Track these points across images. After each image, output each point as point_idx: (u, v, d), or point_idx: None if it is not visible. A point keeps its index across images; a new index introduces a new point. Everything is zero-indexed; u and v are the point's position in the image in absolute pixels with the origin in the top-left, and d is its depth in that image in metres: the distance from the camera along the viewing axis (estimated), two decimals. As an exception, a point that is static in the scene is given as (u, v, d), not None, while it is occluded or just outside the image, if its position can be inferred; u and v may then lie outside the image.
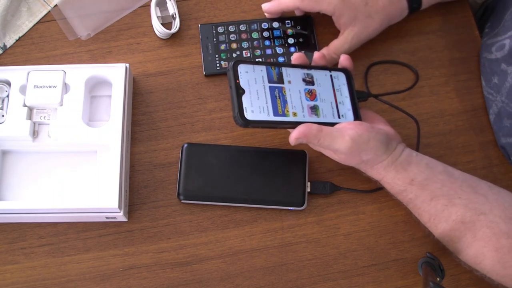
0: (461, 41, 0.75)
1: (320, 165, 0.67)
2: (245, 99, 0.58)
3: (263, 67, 0.61)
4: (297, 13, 0.73)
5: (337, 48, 0.69)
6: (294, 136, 0.58)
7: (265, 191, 0.65)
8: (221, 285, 0.63)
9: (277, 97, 0.60)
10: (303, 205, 0.65)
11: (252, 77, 0.59)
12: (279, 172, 0.65)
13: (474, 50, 0.74)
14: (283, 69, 0.62)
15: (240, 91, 0.58)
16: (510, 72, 0.66)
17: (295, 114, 0.60)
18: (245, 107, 0.57)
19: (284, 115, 0.59)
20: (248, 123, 0.57)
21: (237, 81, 0.58)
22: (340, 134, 0.58)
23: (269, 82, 0.60)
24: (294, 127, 0.59)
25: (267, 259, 0.64)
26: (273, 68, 0.61)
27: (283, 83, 0.61)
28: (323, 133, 0.58)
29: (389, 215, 0.66)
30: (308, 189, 0.65)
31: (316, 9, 0.68)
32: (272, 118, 0.58)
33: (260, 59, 0.71)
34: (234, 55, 0.71)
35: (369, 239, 0.65)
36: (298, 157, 0.66)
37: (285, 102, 0.60)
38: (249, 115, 0.57)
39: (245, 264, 0.64)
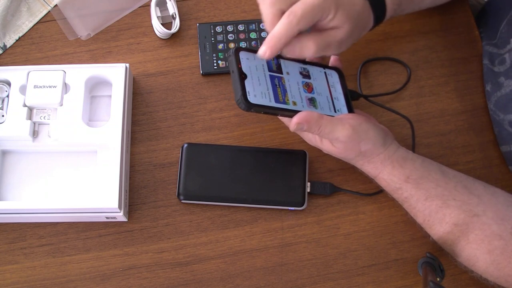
0: (461, 41, 0.75)
1: (320, 165, 0.67)
2: (247, 83, 0.58)
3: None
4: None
5: (319, 45, 0.58)
6: (295, 121, 0.57)
7: (265, 191, 0.65)
8: (221, 285, 0.63)
9: (277, 85, 0.60)
10: (303, 205, 0.65)
11: (253, 64, 0.59)
12: (279, 172, 0.65)
13: (474, 50, 0.74)
14: (281, 61, 0.62)
15: (242, 76, 0.58)
16: (506, 86, 0.67)
17: (295, 103, 0.60)
18: (248, 91, 0.57)
19: (284, 103, 0.59)
20: (251, 107, 0.57)
21: (239, 65, 0.58)
22: (340, 122, 0.58)
23: (269, 71, 0.60)
24: (293, 116, 0.58)
25: (267, 259, 0.64)
26: (272, 59, 0.61)
27: (282, 73, 0.61)
28: (324, 120, 0.57)
29: (389, 215, 0.66)
30: (308, 189, 0.65)
31: (315, 19, 0.57)
32: (274, 104, 0.58)
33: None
34: (233, 55, 0.71)
35: (369, 239, 0.65)
36: (298, 157, 0.66)
37: (285, 91, 0.60)
38: (252, 98, 0.57)
39: (245, 264, 0.64)
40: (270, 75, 0.60)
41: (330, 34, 0.58)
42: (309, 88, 0.62)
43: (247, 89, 0.57)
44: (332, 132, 0.58)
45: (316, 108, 0.61)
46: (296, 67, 0.63)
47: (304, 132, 0.61)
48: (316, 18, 0.56)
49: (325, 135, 0.59)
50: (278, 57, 0.62)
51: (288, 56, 0.58)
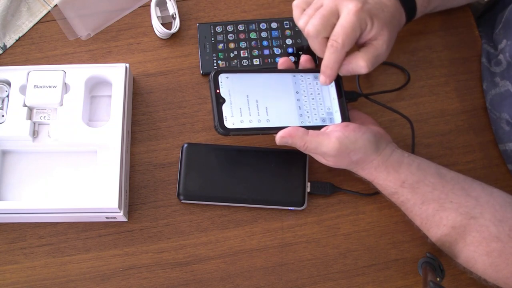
0: (461, 41, 0.75)
1: (320, 165, 0.67)
2: (225, 108, 0.59)
3: (246, 75, 0.62)
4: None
5: (370, 60, 0.61)
6: (280, 135, 0.59)
7: (265, 191, 0.65)
8: (221, 285, 0.63)
9: (260, 104, 0.60)
10: (303, 205, 0.65)
11: (233, 86, 0.60)
12: (279, 172, 0.65)
13: (474, 50, 0.74)
14: (267, 75, 0.63)
15: (220, 101, 0.59)
16: (501, 85, 0.67)
17: (279, 120, 0.60)
18: (225, 116, 0.59)
19: (267, 121, 0.60)
20: (228, 132, 0.58)
21: (218, 91, 0.59)
22: (326, 137, 0.58)
23: (252, 89, 0.61)
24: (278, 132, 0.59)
25: (267, 259, 0.64)
26: (256, 75, 0.62)
27: (267, 89, 0.62)
28: (309, 136, 0.58)
29: (389, 215, 0.66)
30: (308, 189, 0.65)
31: (357, 36, 0.59)
32: (254, 125, 0.59)
33: (258, 60, 0.71)
34: (232, 54, 0.71)
35: (369, 239, 0.65)
36: (298, 157, 0.66)
37: (268, 108, 0.61)
38: (229, 124, 0.58)
39: (245, 264, 0.64)
40: (252, 93, 0.61)
41: (374, 46, 0.61)
42: (297, 100, 0.62)
43: (225, 114, 0.59)
44: (318, 147, 0.59)
45: (304, 121, 0.61)
46: (284, 79, 0.63)
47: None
48: (357, 36, 0.59)
49: (311, 151, 0.60)
50: (265, 71, 0.63)
51: (344, 75, 0.62)
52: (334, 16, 0.59)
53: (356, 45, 0.63)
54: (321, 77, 0.62)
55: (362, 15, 0.58)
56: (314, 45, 0.61)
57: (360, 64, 0.61)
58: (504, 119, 0.67)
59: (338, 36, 0.58)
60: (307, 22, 0.60)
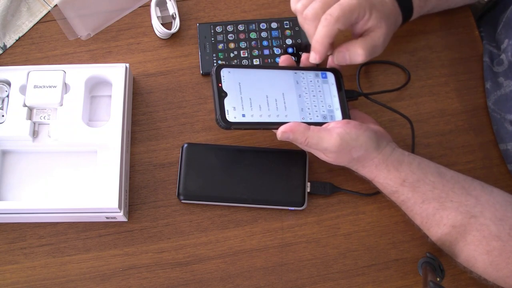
0: (461, 41, 0.75)
1: (320, 165, 0.67)
2: (227, 101, 0.59)
3: (248, 70, 0.62)
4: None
5: (368, 49, 0.61)
6: (281, 130, 0.59)
7: (265, 191, 0.65)
8: (221, 285, 0.63)
9: (262, 98, 0.60)
10: (303, 205, 0.65)
11: (235, 80, 0.60)
12: (279, 172, 0.65)
13: (474, 50, 0.74)
14: (269, 71, 0.63)
15: (222, 94, 0.59)
16: (506, 86, 0.67)
17: (280, 115, 0.60)
18: (227, 110, 0.59)
19: (269, 116, 0.60)
20: (230, 125, 0.58)
21: (220, 84, 0.59)
22: (328, 132, 0.58)
23: (254, 84, 0.61)
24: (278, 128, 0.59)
25: (267, 259, 0.64)
26: (258, 71, 0.62)
27: (268, 85, 0.62)
28: (310, 131, 0.58)
29: (389, 215, 0.66)
30: (308, 189, 0.65)
31: (353, 18, 0.60)
32: (256, 119, 0.59)
33: (258, 60, 0.71)
34: (232, 54, 0.71)
35: (369, 239, 0.65)
36: (298, 157, 0.66)
37: (269, 103, 0.61)
38: (231, 117, 0.58)
39: (245, 264, 0.64)
40: (254, 88, 0.61)
41: (372, 37, 0.62)
42: (299, 96, 0.62)
43: (226, 108, 0.59)
44: (319, 143, 0.58)
45: (305, 117, 0.61)
46: (286, 76, 0.63)
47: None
48: (353, 17, 0.59)
49: (312, 146, 0.59)
50: (266, 67, 0.63)
51: (341, 63, 0.62)
52: (335, 2, 0.59)
53: (354, 37, 0.64)
54: (311, 54, 0.61)
55: (363, 2, 0.59)
56: (310, 29, 0.61)
57: (358, 51, 0.61)
58: (508, 120, 0.67)
59: (334, 11, 0.58)
60: (306, 5, 0.60)
